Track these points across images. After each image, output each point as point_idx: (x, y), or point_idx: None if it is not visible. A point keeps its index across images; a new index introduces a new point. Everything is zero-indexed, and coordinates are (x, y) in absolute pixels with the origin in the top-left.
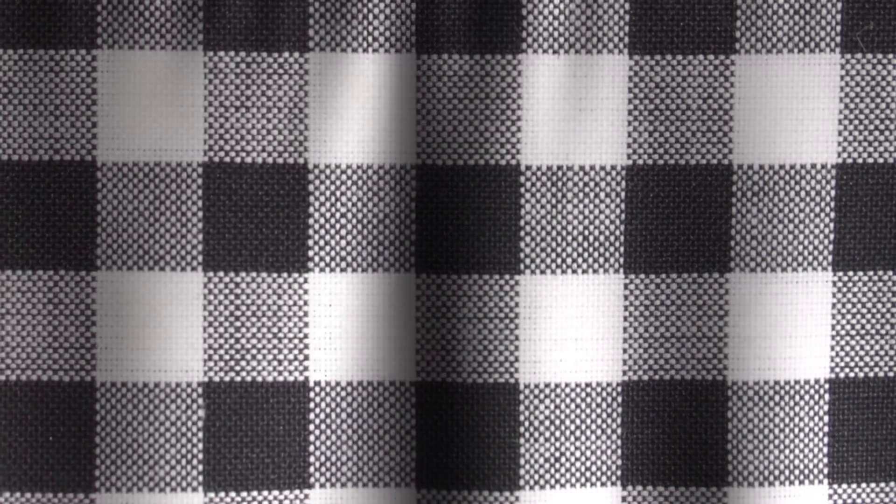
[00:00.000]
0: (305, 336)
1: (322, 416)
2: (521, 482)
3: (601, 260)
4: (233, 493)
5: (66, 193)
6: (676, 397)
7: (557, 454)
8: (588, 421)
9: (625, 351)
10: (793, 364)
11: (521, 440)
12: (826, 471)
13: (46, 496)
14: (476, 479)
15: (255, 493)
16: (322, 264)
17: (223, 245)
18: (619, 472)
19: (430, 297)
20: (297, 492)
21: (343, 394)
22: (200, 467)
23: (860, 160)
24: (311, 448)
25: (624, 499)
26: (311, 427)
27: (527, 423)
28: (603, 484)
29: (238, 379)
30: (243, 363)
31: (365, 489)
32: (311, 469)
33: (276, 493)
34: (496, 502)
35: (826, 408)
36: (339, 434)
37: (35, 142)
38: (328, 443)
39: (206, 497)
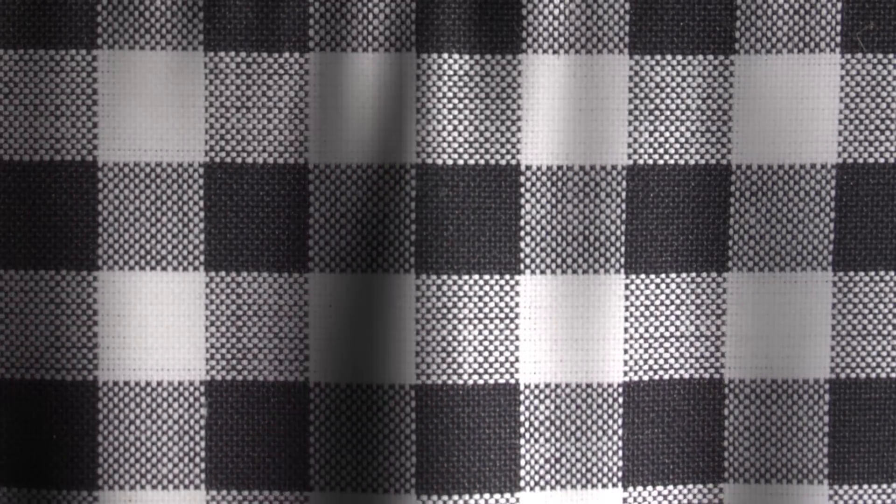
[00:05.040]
0: (306, 336)
1: (322, 417)
2: (522, 483)
3: (601, 260)
4: (234, 492)
5: (67, 193)
6: (676, 397)
7: (558, 455)
8: (589, 422)
9: (625, 351)
10: (791, 363)
11: (522, 441)
12: (826, 471)
13: (51, 493)
14: (476, 481)
15: (255, 493)
16: (322, 264)
17: (224, 245)
18: (619, 474)
19: (430, 297)
20: (297, 493)
21: (343, 396)
22: (203, 465)
23: (860, 160)
24: (311, 450)
25: (625, 500)
26: (311, 429)
27: (527, 424)
28: (604, 485)
29: (240, 378)
30: (244, 362)
31: (364, 494)
32: (311, 471)
33: (276, 493)
34: None
35: (826, 408)
36: (339, 437)
37: (35, 142)
38: (328, 445)
39: (208, 495)
